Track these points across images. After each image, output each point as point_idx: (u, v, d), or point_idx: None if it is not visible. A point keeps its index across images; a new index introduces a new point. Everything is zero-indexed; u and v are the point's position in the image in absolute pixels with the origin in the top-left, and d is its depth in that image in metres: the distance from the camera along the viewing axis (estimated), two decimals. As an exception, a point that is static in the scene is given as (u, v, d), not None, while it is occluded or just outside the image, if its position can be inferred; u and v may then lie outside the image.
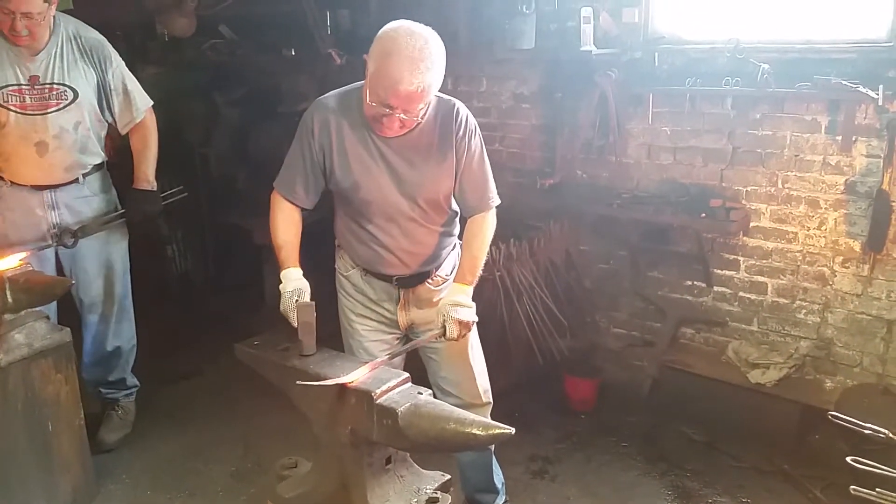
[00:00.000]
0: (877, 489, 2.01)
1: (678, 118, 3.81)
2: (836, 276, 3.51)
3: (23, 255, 2.81)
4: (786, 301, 3.68)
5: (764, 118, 3.57)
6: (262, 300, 4.62)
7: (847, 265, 3.47)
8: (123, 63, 3.17)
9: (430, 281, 2.50)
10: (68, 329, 2.81)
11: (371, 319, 2.51)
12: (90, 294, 3.29)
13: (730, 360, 3.74)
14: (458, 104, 2.33)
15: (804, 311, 3.63)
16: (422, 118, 2.21)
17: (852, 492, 2.02)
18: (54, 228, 3.11)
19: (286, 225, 2.38)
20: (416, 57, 2.06)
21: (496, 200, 2.46)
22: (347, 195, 2.35)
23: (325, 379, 1.94)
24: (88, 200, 3.18)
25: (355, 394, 1.88)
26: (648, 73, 3.78)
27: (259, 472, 3.26)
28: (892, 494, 1.99)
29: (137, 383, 3.58)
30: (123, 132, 3.23)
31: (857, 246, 3.43)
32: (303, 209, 2.41)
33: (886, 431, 2.16)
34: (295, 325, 2.15)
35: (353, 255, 2.47)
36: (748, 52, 3.44)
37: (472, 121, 2.35)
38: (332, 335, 2.24)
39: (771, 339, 3.74)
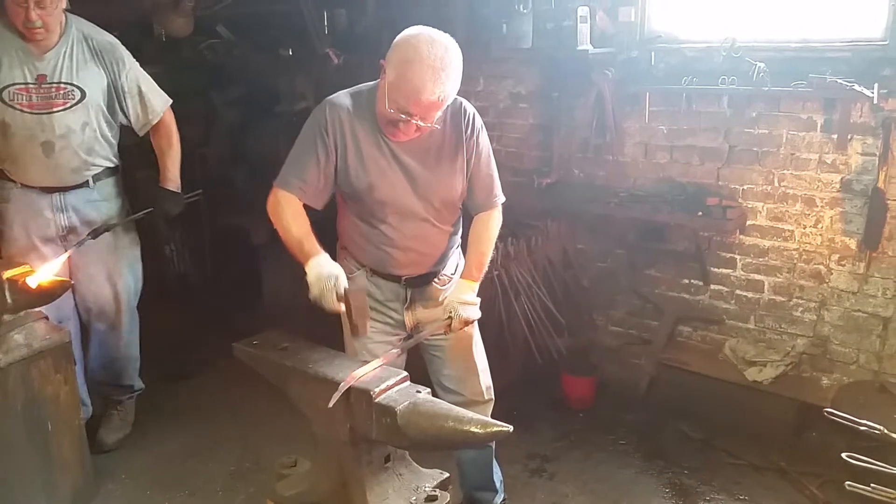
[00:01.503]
0: (872, 485, 2.02)
1: (674, 117, 3.82)
2: (832, 273, 3.53)
3: (65, 255, 2.84)
4: (782, 299, 3.69)
5: (760, 117, 3.59)
6: (260, 299, 4.63)
7: (843, 263, 3.49)
8: (137, 64, 3.14)
9: (436, 280, 2.51)
10: (67, 329, 2.82)
11: (376, 321, 2.48)
12: (98, 302, 3.25)
13: (727, 357, 3.75)
14: (465, 103, 2.34)
15: (801, 308, 3.65)
16: (437, 125, 2.20)
17: (848, 488, 2.04)
18: (63, 231, 3.09)
19: (296, 217, 2.25)
20: (438, 66, 2.06)
21: (502, 198, 2.48)
22: (361, 196, 2.32)
23: (326, 377, 1.95)
24: (97, 205, 3.15)
25: (354, 392, 1.89)
26: (645, 71, 3.79)
27: (258, 471, 3.27)
28: (887, 490, 2.01)
29: (143, 386, 3.56)
30: (142, 133, 3.21)
31: (853, 244, 3.44)
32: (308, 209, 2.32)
33: (882, 428, 2.18)
34: (333, 310, 2.10)
35: (361, 257, 2.46)
36: (744, 51, 3.45)
37: (479, 119, 2.37)
38: (324, 336, 2.23)
39: (768, 336, 3.75)
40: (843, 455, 2.08)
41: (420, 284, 2.49)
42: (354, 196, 2.35)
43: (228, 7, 4.85)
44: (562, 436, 3.60)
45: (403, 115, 2.12)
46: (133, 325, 3.40)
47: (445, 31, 2.17)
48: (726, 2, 3.66)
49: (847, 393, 3.29)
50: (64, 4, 2.90)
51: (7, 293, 2.61)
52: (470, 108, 2.35)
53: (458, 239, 2.56)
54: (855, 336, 3.51)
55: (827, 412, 2.28)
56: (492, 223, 2.46)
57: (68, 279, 2.69)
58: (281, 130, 4.37)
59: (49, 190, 3.06)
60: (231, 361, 2.23)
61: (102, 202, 3.17)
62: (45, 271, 2.67)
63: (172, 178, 3.23)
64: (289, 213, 2.25)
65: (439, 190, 2.35)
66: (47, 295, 2.66)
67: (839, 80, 3.20)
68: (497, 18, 4.11)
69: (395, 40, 2.14)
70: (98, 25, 3.11)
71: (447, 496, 1.96)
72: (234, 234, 4.79)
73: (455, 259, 2.58)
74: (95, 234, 3.06)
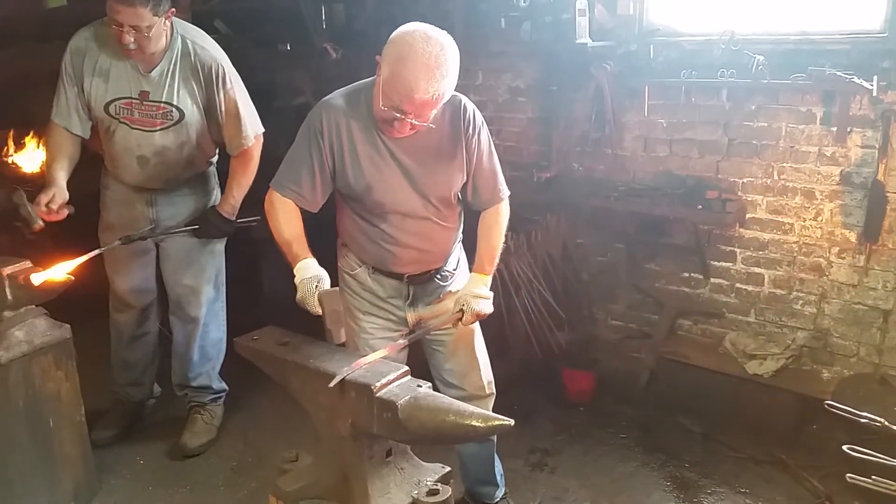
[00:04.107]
0: (873, 477, 2.03)
1: (674, 110, 3.82)
2: (832, 266, 3.53)
3: (84, 257, 2.77)
4: (782, 292, 3.69)
5: (759, 110, 3.58)
6: (260, 295, 4.63)
7: (843, 256, 3.49)
8: (241, 85, 3.05)
9: (438, 277, 2.51)
10: (68, 326, 2.81)
11: (378, 317, 2.50)
12: (177, 293, 3.26)
13: (727, 351, 3.76)
14: (465, 100, 2.31)
15: (801, 301, 3.65)
16: (432, 123, 2.19)
17: (848, 480, 2.04)
18: (151, 223, 3.12)
19: (288, 219, 2.29)
20: (433, 64, 2.04)
21: (507, 191, 2.48)
22: (359, 197, 2.32)
23: (326, 372, 1.95)
24: (186, 199, 3.17)
25: (355, 387, 1.89)
26: (644, 65, 3.79)
27: (259, 466, 3.27)
28: (888, 482, 2.02)
29: (226, 387, 3.52)
30: (232, 154, 3.12)
31: (852, 236, 3.45)
32: (303, 211, 2.35)
33: (882, 420, 2.18)
34: (315, 312, 2.12)
35: (362, 254, 2.45)
36: (743, 43, 3.44)
37: (479, 116, 2.35)
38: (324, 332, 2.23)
39: (768, 329, 3.76)
40: (844, 447, 2.09)
41: (422, 281, 2.49)
42: (353, 196, 2.35)
43: (226, 2, 4.83)
44: (562, 430, 3.61)
45: (398, 114, 2.10)
46: (210, 321, 3.34)
47: (444, 25, 2.16)
48: (725, -6, 3.66)
49: (847, 386, 3.30)
50: (165, 27, 2.81)
51: (7, 289, 2.60)
52: (470, 106, 2.32)
53: (459, 234, 2.56)
54: (855, 329, 3.52)
55: (827, 405, 2.29)
56: (501, 217, 2.47)
57: (70, 276, 2.67)
58: (279, 126, 4.34)
59: (142, 189, 3.11)
60: (232, 357, 2.23)
61: (191, 196, 3.18)
62: (60, 269, 2.66)
63: (231, 205, 3.15)
64: (281, 215, 2.29)
65: (436, 188, 2.34)
66: (48, 291, 2.66)
67: (838, 73, 3.20)
68: (495, 12, 4.11)
69: (391, 37, 2.12)
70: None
71: (448, 490, 1.97)
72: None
73: (457, 254, 2.58)
74: (128, 240, 3.03)
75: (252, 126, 3.08)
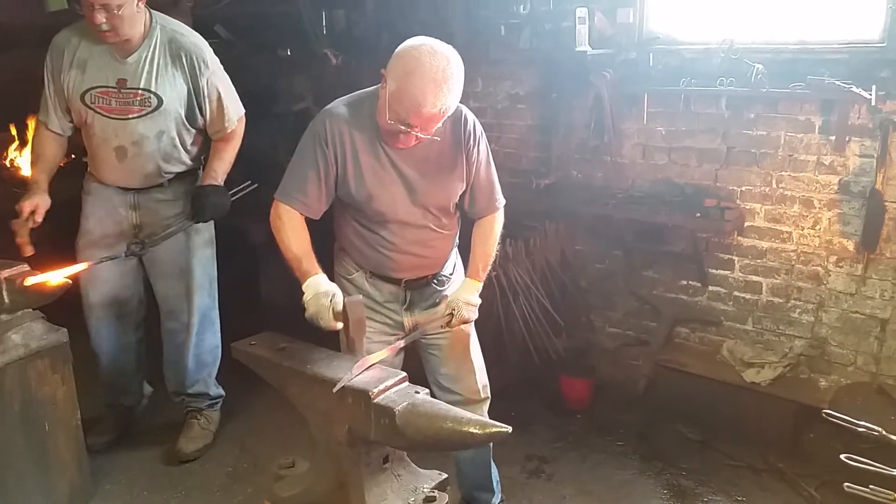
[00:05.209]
0: (870, 486, 2.02)
1: (673, 118, 3.82)
2: (830, 275, 3.53)
3: (83, 265, 2.80)
4: (780, 300, 3.69)
5: (758, 118, 3.59)
6: (258, 300, 4.62)
7: (841, 264, 3.49)
8: (220, 69, 3.03)
9: (435, 281, 2.52)
10: (65, 329, 2.80)
11: (375, 321, 2.49)
12: (168, 302, 3.24)
13: (724, 359, 3.75)
14: (466, 111, 2.33)
15: (798, 310, 3.65)
16: (437, 136, 2.20)
17: (846, 489, 2.03)
18: (135, 229, 3.09)
19: (297, 234, 2.28)
20: (440, 79, 2.06)
21: (503, 200, 2.50)
22: (360, 206, 2.33)
23: (324, 378, 1.94)
24: (170, 204, 3.10)
25: (353, 393, 1.89)
26: (643, 73, 3.80)
27: (256, 472, 3.26)
28: (886, 492, 2.01)
29: (222, 393, 3.50)
30: (214, 138, 3.11)
31: (850, 245, 3.45)
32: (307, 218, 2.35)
33: (880, 429, 2.18)
34: (329, 327, 2.12)
35: (360, 259, 2.46)
36: (742, 52, 3.46)
37: (479, 126, 2.37)
38: (322, 337, 2.23)
39: (765, 338, 3.75)
40: (842, 456, 2.08)
41: (419, 286, 2.50)
42: (354, 205, 2.36)
43: (227, 7, 4.83)
44: (560, 437, 3.60)
45: (403, 127, 2.12)
46: (205, 328, 3.31)
47: (444, 32, 2.18)
48: (724, 4, 3.67)
49: (845, 394, 3.29)
50: (137, 9, 2.78)
51: (4, 293, 2.60)
52: (470, 117, 2.34)
53: (456, 240, 2.58)
54: (853, 338, 3.52)
55: (825, 413, 2.29)
56: (496, 225, 2.50)
57: (68, 280, 2.67)
58: (279, 131, 4.35)
59: (124, 189, 3.07)
60: (229, 362, 2.23)
61: (175, 201, 3.12)
62: (55, 275, 2.65)
63: (213, 176, 3.05)
64: (289, 229, 2.29)
65: (436, 197, 2.36)
66: (45, 295, 2.65)
67: (837, 82, 3.21)
68: (495, 20, 4.12)
69: (397, 50, 2.13)
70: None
71: (445, 497, 1.97)
72: (232, 235, 4.77)
73: (453, 259, 2.59)
74: (129, 251, 3.01)
75: (235, 110, 3.10)
